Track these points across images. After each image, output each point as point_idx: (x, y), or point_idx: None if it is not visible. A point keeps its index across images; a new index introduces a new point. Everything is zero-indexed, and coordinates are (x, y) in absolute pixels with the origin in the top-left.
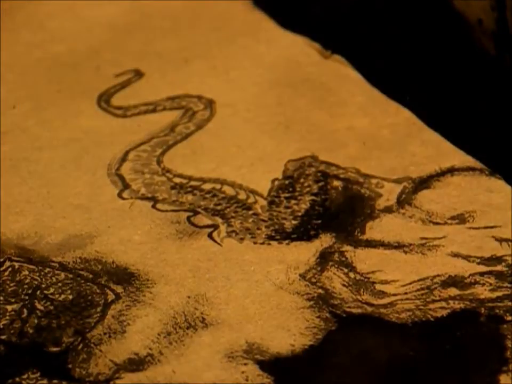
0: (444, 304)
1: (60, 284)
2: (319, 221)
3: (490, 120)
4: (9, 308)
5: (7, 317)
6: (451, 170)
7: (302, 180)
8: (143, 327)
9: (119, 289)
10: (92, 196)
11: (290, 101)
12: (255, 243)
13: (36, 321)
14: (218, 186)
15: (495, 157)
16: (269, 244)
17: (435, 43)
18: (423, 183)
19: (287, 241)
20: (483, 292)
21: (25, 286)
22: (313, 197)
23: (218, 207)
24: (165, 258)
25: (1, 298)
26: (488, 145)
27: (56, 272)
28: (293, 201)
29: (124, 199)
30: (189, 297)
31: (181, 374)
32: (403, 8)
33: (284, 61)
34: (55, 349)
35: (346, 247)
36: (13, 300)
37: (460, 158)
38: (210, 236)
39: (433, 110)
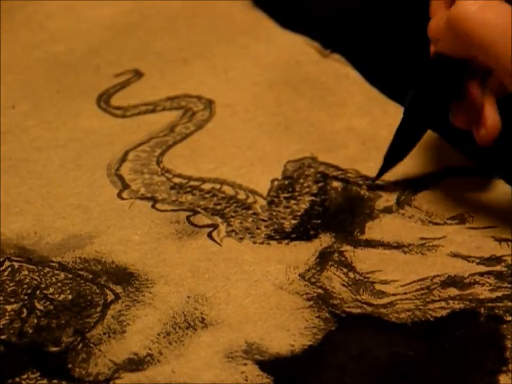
0: (443, 304)
1: (59, 284)
2: (319, 221)
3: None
4: (8, 307)
5: (7, 317)
6: (450, 171)
7: (301, 181)
8: (142, 327)
9: (118, 289)
10: (91, 196)
11: (289, 101)
12: (254, 243)
13: (35, 321)
14: (217, 186)
15: (494, 158)
16: (269, 244)
17: None
18: (423, 183)
19: (286, 241)
20: (483, 292)
21: (25, 286)
22: (312, 197)
23: (218, 207)
24: (165, 258)
25: (1, 298)
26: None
27: (56, 272)
28: (292, 201)
29: (123, 199)
30: (188, 297)
31: (180, 374)
32: (403, 7)
33: (283, 60)
34: (54, 349)
35: (346, 247)
36: (12, 300)
37: (459, 158)
38: (209, 235)
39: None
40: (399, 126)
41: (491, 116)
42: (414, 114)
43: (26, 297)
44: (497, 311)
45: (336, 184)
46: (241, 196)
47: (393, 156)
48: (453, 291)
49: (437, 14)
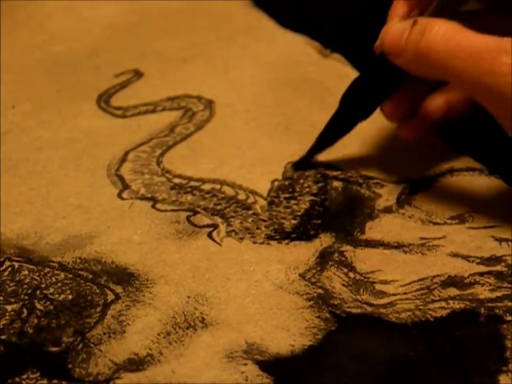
0: (443, 304)
1: (59, 284)
2: (319, 221)
3: (489, 120)
4: (9, 308)
5: (7, 317)
6: (451, 171)
7: (301, 181)
8: (142, 327)
9: (118, 289)
10: (91, 196)
11: (289, 101)
12: (254, 243)
13: (35, 321)
14: (218, 186)
15: (494, 157)
16: (269, 244)
17: None
18: (423, 183)
19: (286, 241)
20: (483, 292)
21: (25, 286)
22: (312, 197)
23: (218, 207)
24: (165, 258)
25: (1, 298)
26: (487, 145)
27: (56, 272)
28: (292, 201)
29: (123, 199)
30: (188, 297)
31: (180, 374)
32: None
33: (283, 60)
34: (54, 349)
35: (346, 247)
36: (12, 300)
37: (459, 158)
38: (209, 235)
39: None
40: (335, 112)
41: (428, 104)
42: (349, 104)
43: (26, 297)
44: (497, 311)
45: (336, 184)
46: (241, 196)
47: (323, 142)
48: (453, 291)
49: (392, 23)
